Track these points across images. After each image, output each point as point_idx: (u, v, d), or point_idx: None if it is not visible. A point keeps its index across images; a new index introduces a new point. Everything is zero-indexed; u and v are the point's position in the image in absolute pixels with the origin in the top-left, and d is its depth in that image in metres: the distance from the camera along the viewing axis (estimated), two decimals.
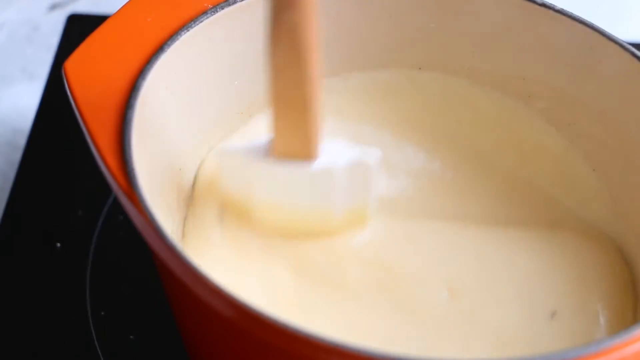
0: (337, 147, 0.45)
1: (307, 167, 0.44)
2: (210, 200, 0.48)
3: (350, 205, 0.46)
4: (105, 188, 0.49)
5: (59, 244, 0.56)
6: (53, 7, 0.74)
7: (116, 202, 0.57)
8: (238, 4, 0.47)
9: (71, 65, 0.43)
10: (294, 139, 0.43)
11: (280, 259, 0.46)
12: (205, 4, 0.47)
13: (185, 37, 0.45)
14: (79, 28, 0.68)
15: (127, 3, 0.46)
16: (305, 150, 0.43)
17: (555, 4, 0.48)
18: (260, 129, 0.52)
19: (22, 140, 0.63)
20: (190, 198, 0.48)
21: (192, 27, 0.46)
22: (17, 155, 0.62)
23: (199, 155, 0.49)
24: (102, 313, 0.53)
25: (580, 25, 0.47)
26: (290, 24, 0.38)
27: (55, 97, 0.64)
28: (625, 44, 0.46)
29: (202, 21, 0.46)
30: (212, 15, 0.46)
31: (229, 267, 0.45)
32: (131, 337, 0.52)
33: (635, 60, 0.45)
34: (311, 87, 0.41)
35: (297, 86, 0.41)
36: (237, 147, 0.46)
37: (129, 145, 0.40)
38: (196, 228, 0.47)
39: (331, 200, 0.45)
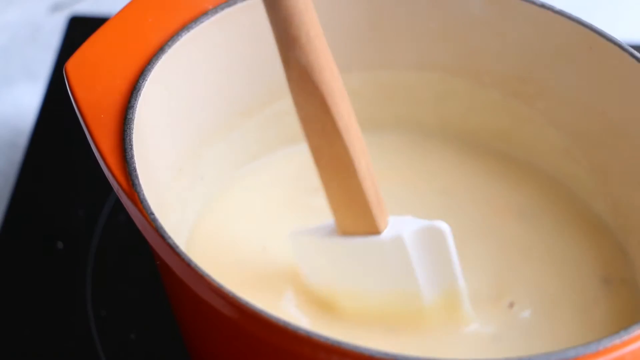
0: (404, 219, 0.39)
1: (375, 237, 0.38)
2: (279, 285, 0.43)
3: (438, 286, 0.39)
4: (106, 188, 0.49)
5: (59, 244, 0.56)
6: (55, 8, 0.74)
7: (117, 202, 0.57)
8: (239, 5, 0.47)
9: (72, 66, 0.43)
10: (352, 212, 0.37)
11: None
12: (206, 5, 0.47)
13: (186, 38, 0.45)
14: (80, 29, 0.68)
15: (127, 4, 0.46)
16: (368, 222, 0.38)
17: (555, 4, 0.48)
18: (260, 129, 0.52)
19: (23, 141, 0.63)
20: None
21: (192, 28, 0.46)
22: (18, 156, 0.62)
23: (199, 155, 0.49)
24: (103, 313, 0.53)
25: (580, 26, 0.47)
26: (301, 65, 0.33)
27: (57, 98, 0.64)
28: (625, 44, 0.46)
29: (202, 22, 0.46)
30: (213, 16, 0.46)
31: None
32: (132, 336, 0.52)
33: (634, 60, 0.45)
34: (344, 142, 0.34)
35: (329, 143, 0.34)
36: (307, 229, 0.41)
37: (130, 145, 0.40)
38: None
39: (412, 278, 0.39)
